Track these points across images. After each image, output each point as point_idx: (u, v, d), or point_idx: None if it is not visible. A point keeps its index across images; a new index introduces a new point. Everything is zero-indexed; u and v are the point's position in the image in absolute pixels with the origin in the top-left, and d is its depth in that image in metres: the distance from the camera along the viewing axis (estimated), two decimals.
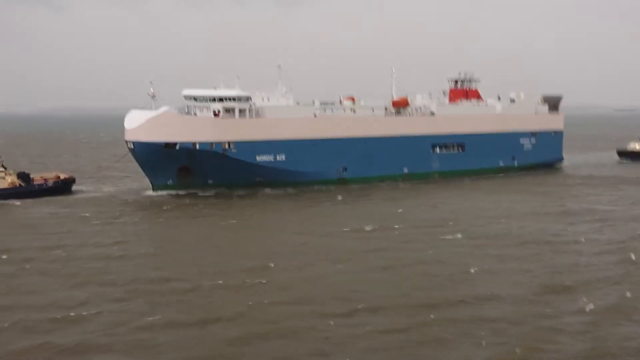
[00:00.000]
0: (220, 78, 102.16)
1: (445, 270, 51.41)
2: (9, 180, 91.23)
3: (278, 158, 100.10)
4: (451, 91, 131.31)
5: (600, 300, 42.75)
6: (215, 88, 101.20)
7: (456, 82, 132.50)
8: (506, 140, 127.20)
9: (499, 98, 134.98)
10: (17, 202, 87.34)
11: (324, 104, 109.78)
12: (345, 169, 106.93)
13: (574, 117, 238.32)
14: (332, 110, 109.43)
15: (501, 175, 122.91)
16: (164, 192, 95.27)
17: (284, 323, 39.13)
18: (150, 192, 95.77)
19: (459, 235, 64.13)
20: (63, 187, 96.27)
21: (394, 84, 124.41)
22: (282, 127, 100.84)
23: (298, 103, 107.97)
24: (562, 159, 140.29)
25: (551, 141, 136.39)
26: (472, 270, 50.91)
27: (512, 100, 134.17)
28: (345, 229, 68.59)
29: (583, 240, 62.17)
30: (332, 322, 38.95)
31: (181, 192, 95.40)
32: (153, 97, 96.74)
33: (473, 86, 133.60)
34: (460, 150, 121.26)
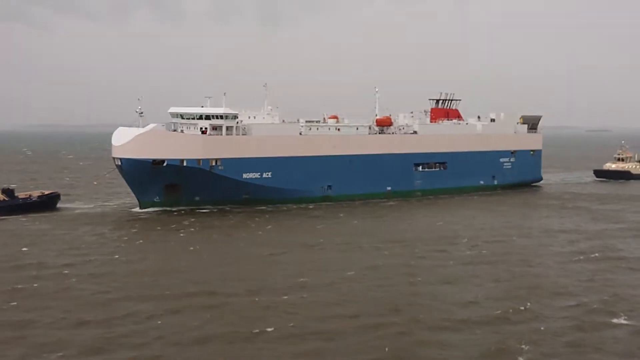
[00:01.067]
0: (207, 96, 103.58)
1: (468, 284, 53.92)
2: None
3: (264, 175, 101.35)
4: (432, 111, 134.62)
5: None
6: (202, 106, 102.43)
7: (437, 101, 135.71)
8: (486, 159, 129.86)
9: (479, 118, 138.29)
10: (2, 217, 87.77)
11: (309, 122, 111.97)
12: (330, 187, 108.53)
13: (550, 136, 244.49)
14: (317, 129, 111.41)
15: (488, 193, 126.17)
16: (151, 209, 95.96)
17: (341, 336, 40.61)
18: (138, 209, 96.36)
19: (484, 251, 67.69)
20: (47, 202, 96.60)
21: (377, 103, 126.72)
22: (269, 145, 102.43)
23: (284, 121, 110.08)
24: (541, 178, 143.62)
25: (530, 160, 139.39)
26: (493, 284, 53.87)
27: (492, 120, 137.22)
28: (361, 245, 71.07)
29: (597, 255, 65.53)
30: (385, 331, 40.90)
31: (169, 209, 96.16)
32: (141, 114, 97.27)
33: (454, 106, 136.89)
34: (442, 169, 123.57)
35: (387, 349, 38.17)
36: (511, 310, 45.49)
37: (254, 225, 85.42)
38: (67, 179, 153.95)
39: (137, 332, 41.34)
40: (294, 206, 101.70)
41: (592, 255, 64.98)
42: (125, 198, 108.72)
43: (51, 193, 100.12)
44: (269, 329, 41.58)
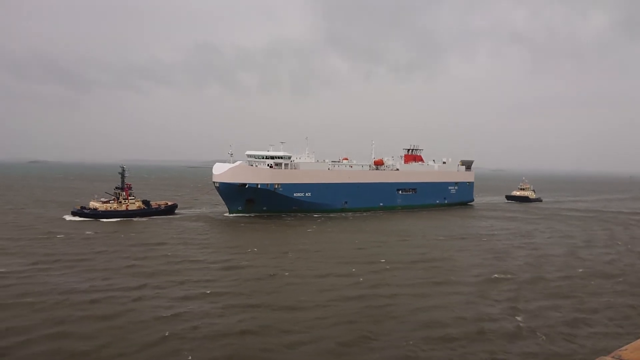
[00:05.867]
0: (270, 144, 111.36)
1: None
2: (137, 205, 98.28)
3: (306, 194, 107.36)
4: (405, 156, 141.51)
5: None
6: (267, 150, 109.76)
7: (408, 150, 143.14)
8: (440, 187, 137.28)
9: (434, 161, 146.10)
10: (143, 219, 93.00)
11: (333, 161, 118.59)
12: (346, 202, 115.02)
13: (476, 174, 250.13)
14: (338, 165, 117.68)
15: (441, 207, 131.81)
16: (236, 215, 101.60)
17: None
18: (227, 214, 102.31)
19: (440, 237, 73.97)
20: (170, 209, 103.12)
21: (373, 150, 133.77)
22: (309, 176, 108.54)
23: (317, 160, 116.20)
24: (473, 199, 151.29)
25: (467, 188, 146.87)
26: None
27: (444, 162, 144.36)
28: (398, 238, 75.32)
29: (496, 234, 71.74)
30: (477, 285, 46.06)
31: (248, 215, 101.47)
32: (231, 155, 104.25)
33: (418, 153, 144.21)
34: (414, 192, 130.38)
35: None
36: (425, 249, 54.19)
37: (301, 225, 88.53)
38: (182, 193, 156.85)
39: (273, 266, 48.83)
40: (325, 214, 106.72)
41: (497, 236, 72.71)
42: (217, 207, 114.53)
43: (172, 203, 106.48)
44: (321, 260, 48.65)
